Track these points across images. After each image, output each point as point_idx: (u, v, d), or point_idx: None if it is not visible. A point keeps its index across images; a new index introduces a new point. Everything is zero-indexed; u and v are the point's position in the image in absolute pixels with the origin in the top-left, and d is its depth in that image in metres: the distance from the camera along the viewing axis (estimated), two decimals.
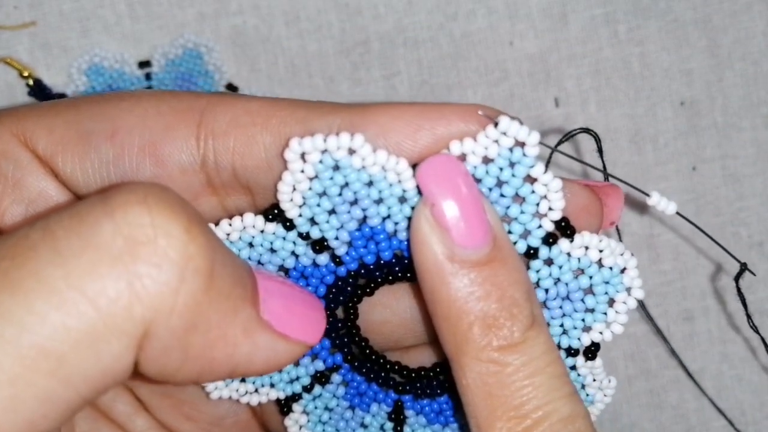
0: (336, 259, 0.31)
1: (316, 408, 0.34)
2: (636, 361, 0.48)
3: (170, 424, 0.34)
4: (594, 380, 0.32)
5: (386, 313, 0.34)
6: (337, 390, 0.34)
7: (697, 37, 0.47)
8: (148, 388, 0.34)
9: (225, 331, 0.26)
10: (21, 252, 0.24)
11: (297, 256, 0.31)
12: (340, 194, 0.29)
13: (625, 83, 0.47)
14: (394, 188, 0.29)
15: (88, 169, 0.30)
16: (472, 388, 0.28)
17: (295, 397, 0.34)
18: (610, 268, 0.30)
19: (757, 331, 0.36)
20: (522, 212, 0.29)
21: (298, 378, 0.33)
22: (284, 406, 0.34)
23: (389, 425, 0.34)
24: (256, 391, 0.33)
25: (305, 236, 0.30)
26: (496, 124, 0.28)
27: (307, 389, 0.34)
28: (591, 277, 0.30)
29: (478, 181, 0.29)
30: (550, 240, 0.30)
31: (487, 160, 0.29)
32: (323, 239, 0.30)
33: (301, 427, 0.34)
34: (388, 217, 0.29)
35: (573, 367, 0.32)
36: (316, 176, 0.29)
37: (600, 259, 0.30)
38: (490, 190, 0.29)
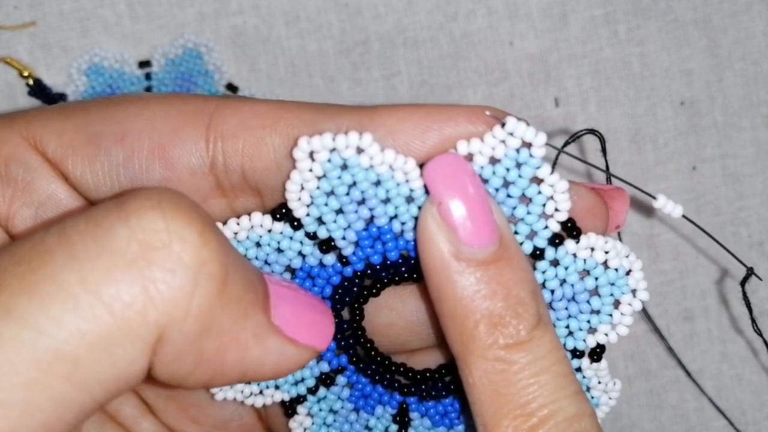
0: (343, 260, 0.31)
1: (320, 410, 0.34)
2: (636, 361, 0.48)
3: (176, 427, 0.34)
4: (599, 383, 0.32)
5: (392, 316, 0.34)
6: (342, 392, 0.34)
7: (697, 37, 0.47)
8: (154, 391, 0.34)
9: (237, 336, 0.26)
10: (37, 256, 0.24)
11: (304, 257, 0.31)
12: (347, 193, 0.29)
13: (625, 83, 0.47)
14: (402, 188, 0.29)
15: (98, 172, 0.30)
16: (478, 387, 0.28)
17: (299, 399, 0.34)
18: (616, 270, 0.30)
19: (760, 335, 0.36)
20: (528, 213, 0.29)
21: (302, 380, 0.33)
22: (289, 408, 0.34)
23: (394, 428, 0.34)
24: (261, 392, 0.33)
25: (312, 236, 0.30)
26: (503, 125, 0.28)
27: (312, 391, 0.34)
28: (596, 279, 0.30)
29: (485, 181, 0.29)
30: (556, 241, 0.30)
31: (493, 161, 0.29)
32: (330, 239, 0.30)
33: (305, 430, 0.34)
34: (395, 217, 0.30)
35: (578, 369, 0.32)
36: (324, 175, 0.29)
37: (606, 261, 0.30)
38: (497, 190, 0.29)
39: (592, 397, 0.32)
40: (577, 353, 0.31)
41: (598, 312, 0.31)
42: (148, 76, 0.46)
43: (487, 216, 0.28)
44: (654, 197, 0.31)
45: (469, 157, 0.29)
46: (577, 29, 0.46)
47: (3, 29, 0.45)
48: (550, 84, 0.47)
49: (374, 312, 0.34)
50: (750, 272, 0.34)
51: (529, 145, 0.28)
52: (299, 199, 0.29)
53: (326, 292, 0.32)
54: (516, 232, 0.29)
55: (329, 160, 0.29)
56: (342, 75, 0.46)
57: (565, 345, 0.31)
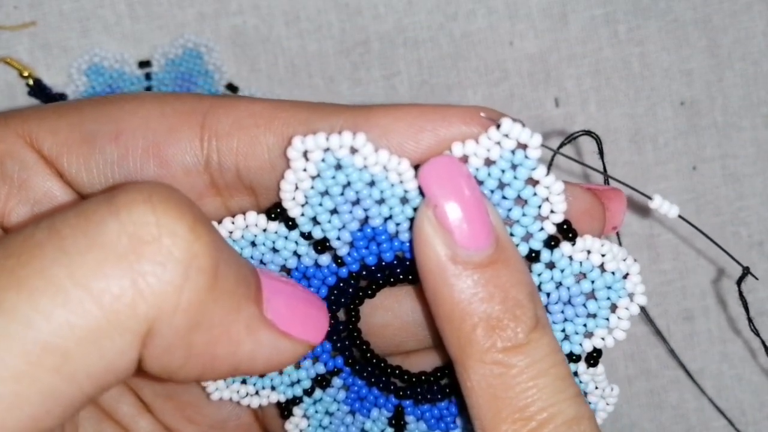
0: (338, 260, 0.31)
1: (316, 412, 0.34)
2: (636, 361, 0.48)
3: (173, 427, 0.34)
4: (596, 388, 0.32)
5: (388, 317, 0.34)
6: (338, 394, 0.34)
7: (697, 37, 0.47)
8: (151, 390, 0.34)
9: (228, 329, 0.26)
10: (26, 250, 0.24)
11: (299, 257, 0.31)
12: (342, 193, 0.29)
13: (625, 83, 0.47)
14: (396, 189, 0.29)
15: (93, 170, 0.30)
16: (476, 391, 0.28)
17: (295, 401, 0.33)
18: (613, 273, 0.30)
19: (758, 335, 0.36)
20: (524, 215, 0.29)
21: (299, 381, 0.33)
22: (285, 409, 0.34)
23: (390, 431, 0.34)
24: (257, 393, 0.33)
25: (307, 236, 0.30)
26: (498, 126, 0.28)
27: (308, 393, 0.33)
28: (593, 282, 0.30)
29: (480, 183, 0.29)
30: (551, 243, 0.29)
31: (489, 162, 0.28)
32: (325, 239, 0.30)
33: (301, 431, 0.34)
34: (390, 217, 0.29)
35: (575, 374, 0.31)
36: (319, 175, 0.29)
37: (602, 264, 0.30)
38: (492, 192, 0.29)
39: (590, 402, 0.32)
40: (573, 357, 0.31)
41: (594, 316, 0.30)
42: (148, 76, 0.46)
43: (483, 218, 0.28)
44: (650, 197, 0.31)
45: (464, 159, 0.28)
46: (577, 29, 0.46)
47: (3, 29, 0.45)
48: (550, 84, 0.47)
49: (370, 313, 0.34)
50: (746, 272, 0.33)
51: (524, 147, 0.28)
52: (294, 198, 0.29)
53: (322, 292, 0.32)
54: (511, 234, 0.29)
55: (323, 160, 0.28)
56: (342, 75, 0.46)
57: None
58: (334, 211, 0.30)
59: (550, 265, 0.30)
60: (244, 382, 0.33)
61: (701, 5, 0.46)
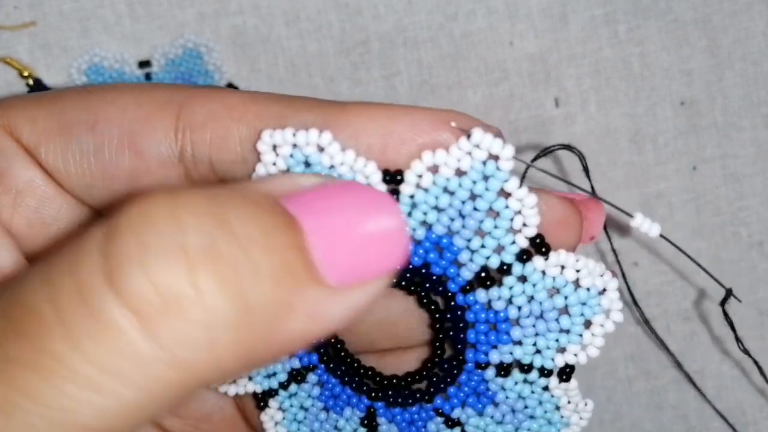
0: None
1: (291, 406, 0.34)
2: (636, 361, 0.48)
3: (159, 421, 0.34)
4: (569, 402, 0.31)
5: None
6: (313, 390, 0.34)
7: (697, 37, 0.47)
8: None
9: (287, 335, 0.23)
10: (32, 328, 0.22)
11: None
12: None
13: (625, 83, 0.47)
14: None
15: (69, 160, 0.30)
16: None
17: (271, 393, 0.33)
18: (588, 290, 0.29)
19: (747, 354, 0.36)
20: (496, 227, 0.28)
21: (274, 374, 0.33)
22: (261, 400, 0.33)
23: (362, 431, 0.34)
24: (234, 382, 0.33)
25: None
26: (468, 136, 0.27)
27: (284, 386, 0.33)
28: (566, 298, 0.29)
29: (451, 193, 0.28)
30: (524, 257, 0.29)
31: (460, 173, 0.28)
32: None
33: (276, 424, 0.34)
34: None
35: (546, 388, 0.31)
36: (288, 170, 0.28)
37: (577, 279, 0.29)
38: (463, 203, 0.28)
39: (562, 416, 0.31)
40: (545, 372, 0.30)
41: (567, 331, 0.29)
42: (148, 76, 0.46)
43: None
44: (631, 215, 0.29)
45: (435, 169, 0.28)
46: (577, 29, 0.46)
47: (3, 29, 0.45)
48: (550, 84, 0.46)
49: None
50: (729, 294, 0.33)
51: (496, 158, 0.27)
52: None
53: None
54: (483, 246, 0.29)
55: (291, 156, 0.28)
56: (342, 75, 0.46)
57: (532, 363, 0.30)
58: None
59: (522, 279, 0.29)
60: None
61: (701, 5, 0.46)
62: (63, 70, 0.45)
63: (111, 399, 0.21)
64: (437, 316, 0.32)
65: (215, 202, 0.22)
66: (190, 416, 0.34)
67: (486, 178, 0.28)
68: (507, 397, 0.31)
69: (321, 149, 0.28)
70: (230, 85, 0.46)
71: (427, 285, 0.30)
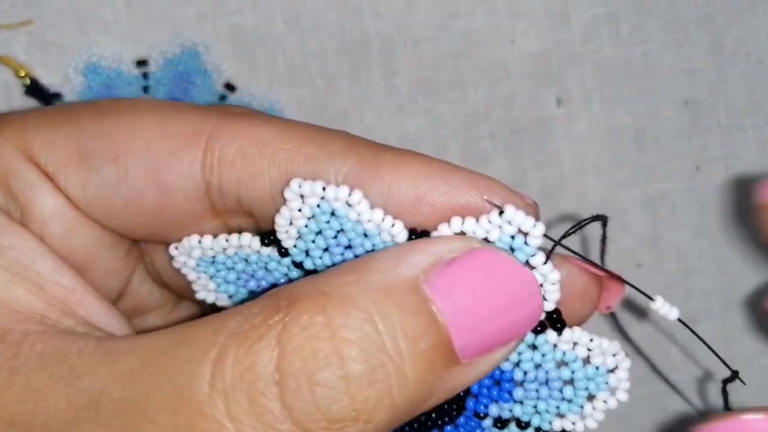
0: None
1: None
2: (639, 364, 0.48)
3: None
4: None
5: None
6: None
7: (700, 36, 0.46)
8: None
9: (423, 409, 0.26)
10: (203, 425, 0.24)
11: (290, 279, 0.31)
12: (335, 237, 0.29)
13: (627, 82, 0.46)
14: (389, 245, 0.28)
15: (91, 190, 0.30)
16: None
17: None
18: (597, 368, 0.29)
19: (727, 407, 0.35)
20: None
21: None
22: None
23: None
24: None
25: (299, 264, 0.30)
26: (501, 213, 0.27)
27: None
28: (573, 372, 0.29)
29: None
30: (538, 328, 0.29)
31: (486, 240, 0.28)
32: (316, 270, 0.30)
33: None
34: None
35: None
36: (313, 217, 0.29)
37: (588, 357, 0.29)
38: None
39: None
40: None
41: (569, 401, 0.30)
42: (145, 76, 0.45)
43: None
44: (652, 298, 0.30)
45: (461, 234, 0.28)
46: (578, 28, 0.46)
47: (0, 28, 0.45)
48: (551, 83, 0.46)
49: None
50: (734, 375, 0.33)
51: (525, 234, 0.28)
52: (287, 232, 0.29)
53: None
54: None
55: (318, 206, 0.28)
56: (342, 74, 0.46)
57: (530, 422, 0.31)
58: (326, 249, 0.30)
59: (533, 347, 0.29)
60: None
61: (704, 4, 0.46)
62: (60, 70, 0.45)
63: None
64: None
65: (370, 322, 0.25)
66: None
67: (512, 249, 0.28)
68: None
69: (350, 205, 0.28)
70: (228, 85, 0.45)
71: None
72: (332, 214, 0.28)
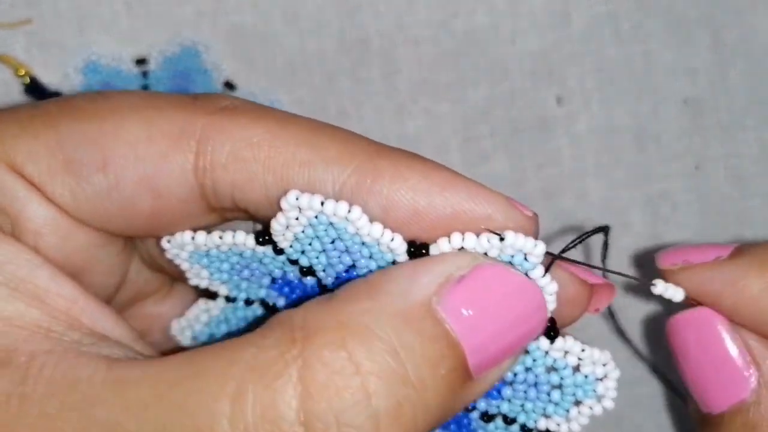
0: (322, 284, 0.31)
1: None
2: (638, 363, 0.48)
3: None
4: None
5: None
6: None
7: (701, 35, 0.46)
8: None
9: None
10: None
11: (285, 272, 0.31)
12: (332, 242, 0.29)
13: (628, 81, 0.46)
14: (386, 255, 0.28)
15: (81, 199, 0.29)
16: None
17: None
18: (586, 376, 0.30)
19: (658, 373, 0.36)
20: None
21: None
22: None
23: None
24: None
25: (294, 261, 0.30)
26: (501, 239, 0.27)
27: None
28: (562, 378, 0.30)
29: None
30: None
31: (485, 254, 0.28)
32: (311, 267, 0.30)
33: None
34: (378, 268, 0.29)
35: None
36: (311, 225, 0.28)
37: (578, 365, 0.30)
38: None
39: None
40: (525, 429, 0.31)
41: (556, 404, 0.30)
42: (145, 74, 0.45)
43: None
44: (653, 283, 0.31)
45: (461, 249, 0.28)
46: (579, 27, 0.46)
47: None
48: (552, 82, 0.46)
49: None
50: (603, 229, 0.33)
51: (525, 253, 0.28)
52: (283, 235, 0.29)
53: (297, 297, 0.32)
54: None
55: (316, 217, 0.28)
56: (341, 73, 0.46)
57: (515, 419, 0.31)
58: (323, 251, 0.29)
59: (524, 351, 0.29)
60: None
61: (705, 3, 0.46)
62: (59, 68, 0.45)
63: None
64: None
65: (392, 353, 0.25)
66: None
67: (512, 264, 0.28)
68: None
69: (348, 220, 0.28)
70: (228, 83, 0.45)
71: None
72: (330, 224, 0.28)
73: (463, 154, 0.46)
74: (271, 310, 0.33)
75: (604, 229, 0.31)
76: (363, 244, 0.28)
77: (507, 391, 0.30)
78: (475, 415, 0.32)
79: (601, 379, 0.30)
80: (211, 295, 0.34)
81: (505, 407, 0.31)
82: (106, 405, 0.24)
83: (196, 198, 0.29)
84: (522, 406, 0.31)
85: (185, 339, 0.35)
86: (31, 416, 0.24)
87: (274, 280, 0.32)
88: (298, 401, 0.24)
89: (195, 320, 0.35)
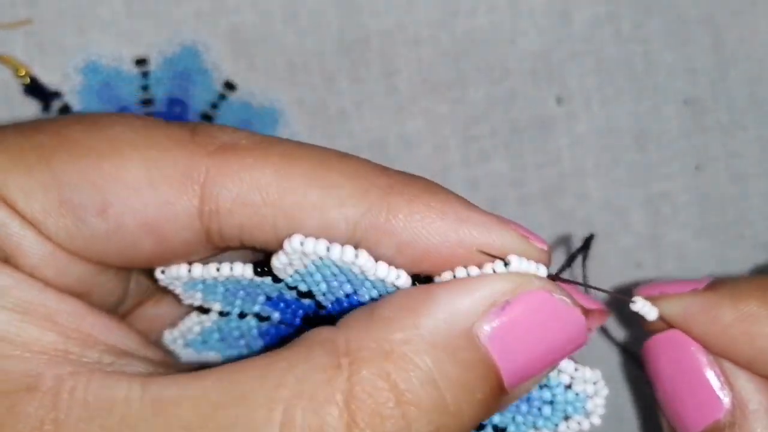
0: (320, 305, 0.31)
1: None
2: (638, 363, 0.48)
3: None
4: None
5: None
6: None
7: (702, 35, 0.46)
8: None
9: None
10: None
11: (281, 292, 0.31)
12: (334, 274, 0.28)
13: (628, 82, 0.46)
14: (389, 288, 0.28)
15: (79, 240, 0.28)
16: None
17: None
18: (577, 394, 0.30)
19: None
20: None
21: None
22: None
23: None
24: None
25: (293, 287, 0.30)
26: (505, 264, 0.27)
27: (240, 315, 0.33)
28: (554, 395, 0.30)
29: None
30: None
31: None
32: (310, 291, 0.30)
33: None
34: (379, 296, 0.29)
35: None
36: (314, 263, 0.28)
37: (570, 384, 0.30)
38: None
39: None
40: None
41: (546, 418, 0.31)
42: (145, 74, 0.45)
43: None
44: (632, 300, 0.32)
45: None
46: (579, 27, 0.46)
47: None
48: (552, 82, 0.46)
49: None
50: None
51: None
52: (285, 270, 0.29)
53: (296, 322, 0.31)
54: None
55: (321, 258, 0.28)
56: (341, 73, 0.46)
57: (506, 429, 0.32)
58: (324, 281, 0.29)
59: None
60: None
61: (705, 3, 0.46)
62: (59, 69, 0.45)
63: None
64: None
65: (431, 382, 0.25)
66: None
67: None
68: None
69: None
70: (228, 83, 0.45)
71: None
72: (335, 264, 0.28)
73: (463, 154, 0.46)
74: (265, 320, 0.33)
75: (589, 240, 0.32)
76: (366, 278, 0.28)
77: None
78: None
79: (591, 397, 0.30)
80: (205, 309, 0.34)
81: (496, 418, 0.31)
82: (148, 426, 0.24)
83: (200, 239, 0.29)
84: (513, 418, 0.31)
85: (178, 347, 0.35)
86: None
87: (269, 298, 0.32)
88: (345, 429, 0.25)
89: (188, 332, 0.35)
